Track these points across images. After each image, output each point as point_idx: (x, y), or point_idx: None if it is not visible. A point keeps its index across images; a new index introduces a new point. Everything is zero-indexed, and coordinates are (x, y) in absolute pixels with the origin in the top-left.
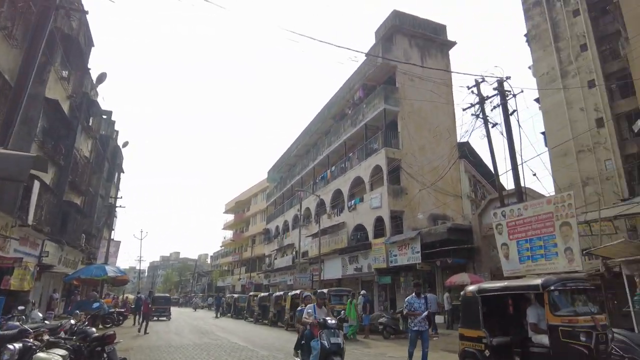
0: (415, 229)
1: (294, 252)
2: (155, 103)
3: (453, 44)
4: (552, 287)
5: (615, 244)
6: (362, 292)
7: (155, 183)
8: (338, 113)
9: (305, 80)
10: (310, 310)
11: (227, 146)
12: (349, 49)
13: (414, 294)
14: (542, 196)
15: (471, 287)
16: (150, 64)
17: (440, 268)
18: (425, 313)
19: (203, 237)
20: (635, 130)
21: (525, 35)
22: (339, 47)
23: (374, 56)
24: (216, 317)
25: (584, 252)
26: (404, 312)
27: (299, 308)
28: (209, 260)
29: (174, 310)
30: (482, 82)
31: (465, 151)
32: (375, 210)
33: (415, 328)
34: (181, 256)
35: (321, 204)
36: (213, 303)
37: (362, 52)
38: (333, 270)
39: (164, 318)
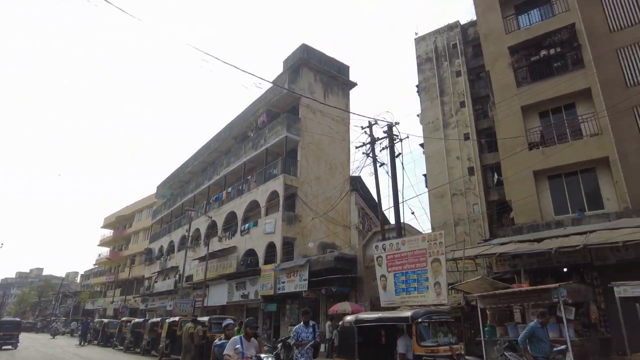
0: (305, 257)
1: (177, 276)
2: (44, 97)
3: (354, 84)
4: (420, 320)
5: (473, 280)
6: (250, 318)
7: (16, 184)
8: (240, 134)
9: (208, 97)
10: (237, 346)
11: (113, 155)
12: (254, 75)
13: (302, 322)
14: (419, 233)
15: (349, 317)
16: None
17: (325, 296)
18: (312, 342)
19: (74, 252)
20: (495, 181)
21: (417, 86)
22: (245, 72)
23: (280, 86)
24: (80, 344)
25: (450, 286)
26: (291, 343)
27: (216, 342)
28: (78, 280)
29: (27, 336)
30: (374, 124)
31: (357, 185)
32: (269, 236)
33: (302, 359)
34: (45, 273)
35: (213, 225)
36: (77, 328)
37: (267, 81)
38: (218, 296)
39: (9, 346)
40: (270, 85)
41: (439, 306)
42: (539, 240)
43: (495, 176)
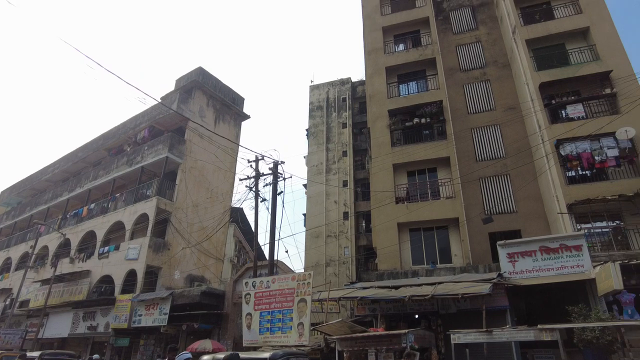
0: (170, 289)
1: (9, 300)
2: None
3: (247, 117)
4: None
5: (334, 323)
6: (95, 356)
7: None
8: (115, 147)
9: (82, 101)
10: None
11: None
12: (139, 90)
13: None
14: (291, 271)
15: (205, 357)
16: None
17: (186, 332)
18: None
19: None
20: (364, 227)
21: (307, 130)
22: (130, 84)
23: (167, 106)
24: None
25: (312, 327)
26: None
27: None
28: None
29: None
30: (261, 159)
31: (238, 217)
32: (131, 262)
33: None
34: None
35: (66, 244)
36: None
37: (154, 98)
38: (59, 326)
39: None
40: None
41: (300, 347)
42: (397, 288)
43: (365, 223)
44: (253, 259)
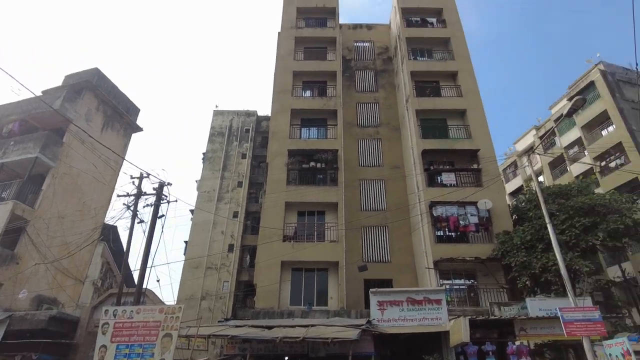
0: (9, 310)
1: None
2: None
3: (139, 129)
4: None
5: None
6: None
7: None
8: None
9: None
10: None
11: None
12: (13, 77)
13: None
14: (161, 302)
15: None
16: None
17: None
18: None
19: None
20: (248, 262)
21: (204, 154)
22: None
23: (47, 103)
24: None
25: None
26: None
27: None
28: None
29: None
30: (146, 177)
31: (110, 236)
32: None
33: None
34: None
35: None
36: None
37: (31, 91)
38: None
39: None
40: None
41: None
42: (270, 328)
43: (249, 258)
44: (119, 284)
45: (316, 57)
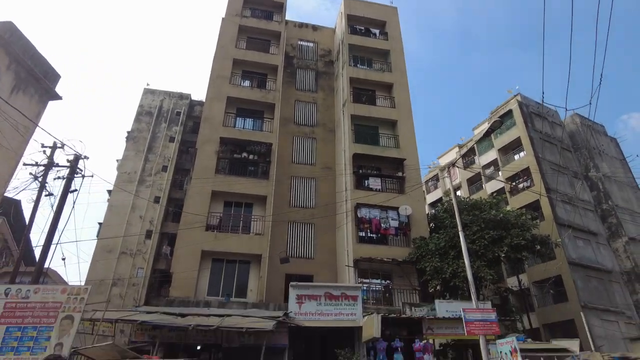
0: None
1: None
2: None
3: (58, 97)
4: None
5: (102, 346)
6: None
7: None
8: None
9: None
10: None
11: None
12: None
13: None
14: (65, 283)
15: None
16: None
17: None
18: None
19: None
20: (168, 251)
21: (128, 132)
22: None
23: None
24: None
25: (73, 350)
26: None
27: None
28: None
29: None
30: (60, 147)
31: (11, 210)
32: None
33: None
34: None
35: None
36: None
37: None
38: None
39: None
40: None
41: None
42: (183, 316)
43: (169, 247)
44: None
45: (259, 49)
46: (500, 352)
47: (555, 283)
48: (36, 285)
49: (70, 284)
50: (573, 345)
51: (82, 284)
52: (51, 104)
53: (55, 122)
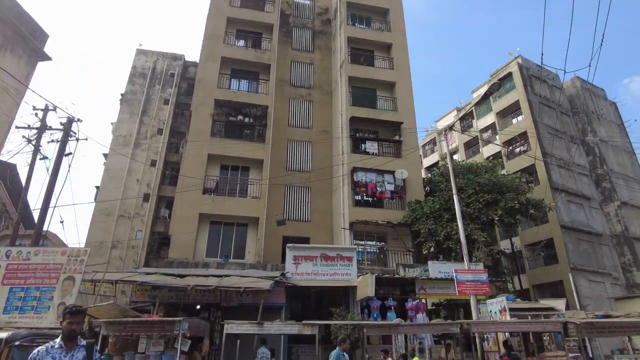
0: None
1: None
2: None
3: (48, 58)
4: (18, 342)
5: (103, 305)
6: None
7: None
8: None
9: None
10: None
11: None
12: None
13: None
14: (64, 245)
15: None
16: None
17: None
18: None
19: None
20: (167, 214)
21: (122, 94)
22: None
23: None
24: None
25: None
26: None
27: None
28: None
29: None
30: (52, 109)
31: (7, 173)
32: None
33: None
34: None
35: None
36: None
37: None
38: None
39: None
40: None
41: (55, 329)
42: (182, 276)
43: (166, 210)
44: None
45: (253, 7)
46: (490, 311)
47: (547, 246)
48: (36, 247)
49: (69, 246)
50: (559, 304)
51: (82, 246)
52: (41, 66)
53: (47, 85)
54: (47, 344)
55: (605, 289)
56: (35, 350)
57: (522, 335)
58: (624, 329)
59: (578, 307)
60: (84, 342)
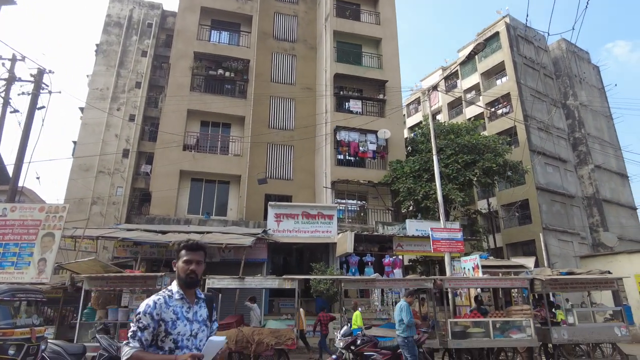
0: None
1: None
2: None
3: (12, 2)
4: None
5: (85, 261)
6: None
7: None
8: None
9: None
10: None
11: None
12: None
13: None
14: (42, 202)
15: None
16: None
17: None
18: None
19: None
20: (148, 171)
21: (97, 45)
22: None
23: None
24: None
25: (57, 265)
26: None
27: None
28: None
29: None
30: (20, 60)
31: None
32: None
33: None
34: None
35: None
36: None
37: None
38: None
39: None
40: None
41: (36, 285)
42: (164, 233)
43: (147, 166)
44: None
45: None
46: (464, 268)
47: (522, 206)
48: (12, 203)
49: (47, 202)
50: (529, 262)
51: (61, 202)
52: (5, 10)
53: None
54: (164, 293)
55: (573, 248)
56: (151, 302)
57: (492, 291)
58: (584, 284)
59: (546, 264)
60: (202, 295)
